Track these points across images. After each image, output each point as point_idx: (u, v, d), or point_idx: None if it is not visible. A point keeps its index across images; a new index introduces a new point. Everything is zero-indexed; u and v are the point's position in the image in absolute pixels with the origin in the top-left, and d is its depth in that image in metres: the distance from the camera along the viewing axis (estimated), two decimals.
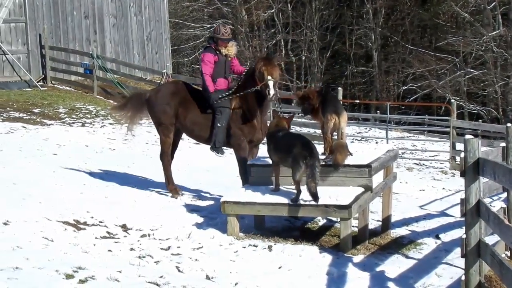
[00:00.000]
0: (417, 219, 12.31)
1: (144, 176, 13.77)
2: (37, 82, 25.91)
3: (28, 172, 13.06)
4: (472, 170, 7.00)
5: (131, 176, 13.67)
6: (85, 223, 9.68)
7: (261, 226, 10.22)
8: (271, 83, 10.84)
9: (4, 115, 19.87)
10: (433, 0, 45.40)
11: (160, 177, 13.04)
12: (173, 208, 10.98)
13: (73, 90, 26.51)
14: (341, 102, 14.89)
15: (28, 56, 26.06)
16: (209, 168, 15.59)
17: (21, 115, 20.26)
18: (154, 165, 14.31)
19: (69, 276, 7.11)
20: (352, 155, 9.99)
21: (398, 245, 10.24)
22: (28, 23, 26.03)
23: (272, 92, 10.86)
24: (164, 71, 25.24)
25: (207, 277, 7.98)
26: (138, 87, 26.01)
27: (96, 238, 9.09)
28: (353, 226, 9.73)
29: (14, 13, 25.69)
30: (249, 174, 10.34)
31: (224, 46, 11.67)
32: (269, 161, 9.95)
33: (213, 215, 10.63)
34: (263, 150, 11.05)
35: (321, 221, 11.09)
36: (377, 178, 10.34)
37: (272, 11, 46.03)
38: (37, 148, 15.77)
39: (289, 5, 46.05)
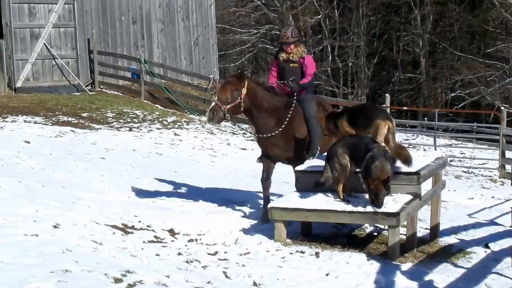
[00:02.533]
0: (465, 228, 12.15)
1: (191, 181, 13.80)
2: (86, 86, 26.16)
3: (77, 176, 13.21)
4: None
5: (178, 181, 13.71)
6: (133, 227, 9.72)
7: (308, 233, 10.17)
8: (211, 105, 10.81)
9: (53, 119, 20.10)
10: (482, 6, 44.94)
11: (207, 182, 13.12)
12: (220, 213, 10.98)
13: (121, 94, 26.71)
14: (389, 108, 14.78)
15: (76, 60, 26.32)
16: (256, 174, 15.57)
17: (69, 119, 20.48)
18: (200, 170, 14.43)
19: (117, 280, 7.13)
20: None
21: (447, 254, 10.11)
22: (77, 28, 26.29)
23: (206, 114, 10.96)
24: (211, 76, 25.33)
25: (254, 284, 7.95)
26: (185, 92, 26.14)
27: (144, 242, 9.12)
28: (401, 234, 9.64)
29: (63, 18, 25.98)
30: (296, 180, 10.29)
31: (286, 51, 11.28)
32: (316, 166, 9.90)
33: (260, 220, 10.61)
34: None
35: (368, 228, 11.01)
36: (426, 186, 10.23)
37: (319, 16, 45.95)
38: (86, 152, 15.92)
39: (336, 11, 45.92)
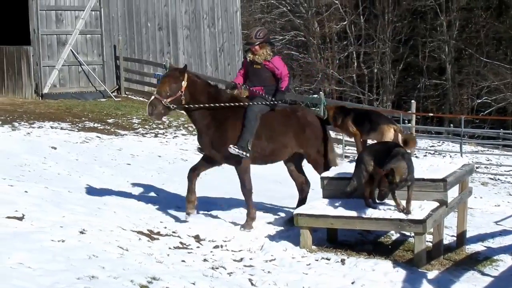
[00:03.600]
0: (492, 235, 12.06)
1: (216, 187, 13.82)
2: (111, 92, 26.29)
3: (103, 182, 13.27)
4: None
5: (203, 187, 13.70)
6: (158, 233, 9.75)
7: (334, 239, 10.14)
8: (151, 98, 10.54)
9: (80, 125, 20.21)
10: (509, 12, 44.68)
11: (232, 189, 13.07)
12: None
13: (146, 100, 26.64)
14: (414, 115, 14.77)
15: (103, 67, 26.46)
16: (281, 180, 15.55)
17: (95, 125, 20.59)
18: (225, 177, 14.34)
19: (143, 287, 7.15)
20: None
21: (473, 262, 10.04)
22: (104, 35, 26.43)
23: (146, 108, 10.58)
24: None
25: None
26: None
27: (169, 248, 9.14)
28: (427, 241, 9.59)
29: (90, 24, 26.13)
30: (322, 187, 10.27)
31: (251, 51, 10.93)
32: (344, 173, 9.89)
33: (285, 227, 10.59)
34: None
35: (394, 236, 10.96)
36: (452, 193, 10.18)
37: (345, 23, 45.90)
38: (111, 158, 16.00)
39: (361, 17, 45.84)
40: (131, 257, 8.23)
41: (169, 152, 17.88)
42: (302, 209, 9.78)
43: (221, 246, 9.62)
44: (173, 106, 10.41)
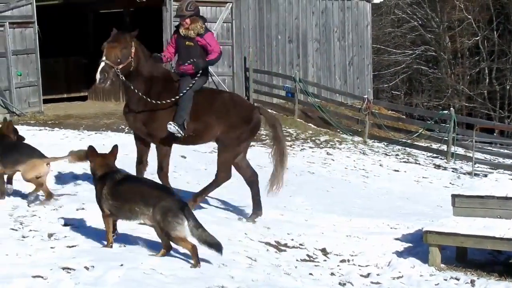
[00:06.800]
0: None
1: (343, 201, 13.77)
2: None
3: (231, 192, 13.39)
4: None
5: (330, 201, 13.71)
6: (285, 245, 9.79)
7: (463, 258, 9.92)
8: (100, 65, 9.69)
9: None
10: None
11: (359, 203, 13.05)
12: (372, 234, 10.88)
13: (275, 112, 26.93)
14: None
15: (232, 78, 26.80)
16: (409, 196, 15.39)
17: None
18: (353, 191, 14.39)
19: None
20: None
21: None
22: (235, 46, 26.79)
23: (97, 76, 9.68)
24: (365, 96, 25.19)
25: None
26: (339, 111, 26.11)
27: (297, 260, 9.17)
28: None
29: (221, 36, 26.52)
30: (453, 204, 10.06)
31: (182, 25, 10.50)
32: (475, 191, 9.68)
33: (413, 243, 10.44)
34: None
35: None
36: None
37: (477, 38, 44.94)
38: None
39: (495, 32, 44.78)
40: (260, 267, 8.29)
41: (296, 164, 17.91)
42: (431, 226, 9.63)
43: (348, 261, 9.59)
44: (121, 76, 9.82)
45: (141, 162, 10.51)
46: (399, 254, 9.90)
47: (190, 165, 15.71)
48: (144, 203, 7.46)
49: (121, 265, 7.12)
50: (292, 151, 19.95)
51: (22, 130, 17.64)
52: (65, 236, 8.12)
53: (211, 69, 25.31)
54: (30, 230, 8.30)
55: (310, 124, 25.22)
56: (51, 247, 7.72)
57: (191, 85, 10.25)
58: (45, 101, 23.57)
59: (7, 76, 22.15)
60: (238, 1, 26.95)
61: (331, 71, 29.32)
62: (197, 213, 10.39)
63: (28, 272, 6.79)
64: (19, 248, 7.57)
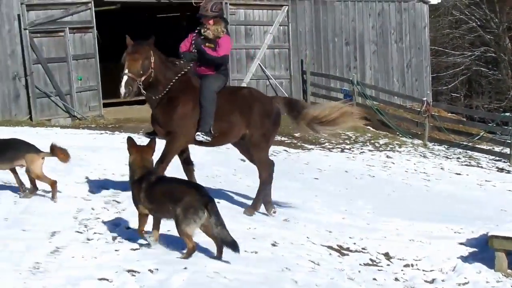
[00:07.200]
0: None
1: (405, 205, 13.60)
2: None
3: (291, 195, 13.34)
4: None
5: (392, 204, 13.56)
6: (348, 249, 9.70)
7: None
8: (124, 79, 9.63)
9: None
10: None
11: (421, 207, 12.86)
12: (436, 239, 10.71)
13: None
14: None
15: (290, 81, 26.73)
16: (472, 200, 15.15)
17: (283, 138, 20.80)
18: (414, 194, 14.19)
19: None
20: None
21: None
22: (291, 49, 26.72)
23: (122, 90, 9.62)
24: (424, 99, 24.95)
25: None
26: (397, 114, 25.89)
27: (360, 264, 9.07)
28: None
29: (278, 39, 26.51)
30: None
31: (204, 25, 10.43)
32: None
33: (478, 248, 10.26)
34: None
35: None
36: None
37: None
38: (299, 172, 16.08)
39: None
40: (323, 271, 8.22)
41: (356, 168, 17.77)
42: (497, 231, 9.46)
43: (412, 265, 9.46)
44: (141, 88, 9.77)
45: (188, 164, 10.56)
46: (464, 259, 9.74)
47: (250, 168, 15.65)
48: (172, 201, 7.49)
49: (185, 268, 7.12)
50: (351, 154, 19.83)
51: (83, 134, 17.92)
52: (129, 239, 8.14)
53: (268, 72, 25.50)
54: (95, 233, 8.34)
55: (368, 127, 25.02)
56: (116, 250, 7.75)
57: (212, 86, 10.20)
58: (105, 105, 23.76)
59: (68, 80, 22.40)
60: (294, 4, 26.94)
61: (389, 74, 29.11)
62: (255, 216, 10.42)
63: (94, 275, 6.83)
64: (84, 251, 7.61)
